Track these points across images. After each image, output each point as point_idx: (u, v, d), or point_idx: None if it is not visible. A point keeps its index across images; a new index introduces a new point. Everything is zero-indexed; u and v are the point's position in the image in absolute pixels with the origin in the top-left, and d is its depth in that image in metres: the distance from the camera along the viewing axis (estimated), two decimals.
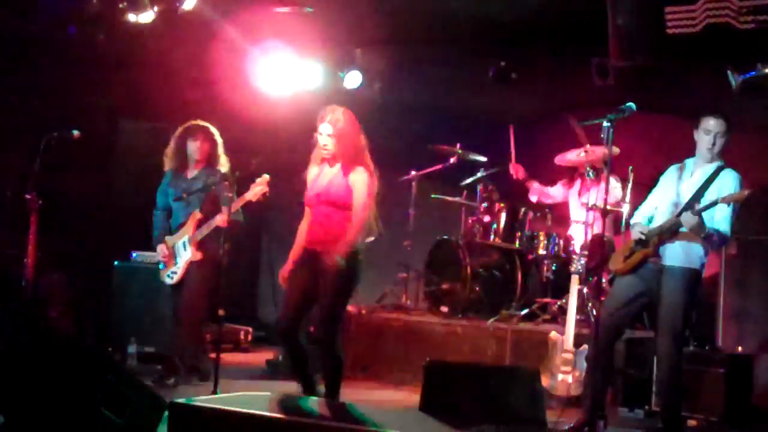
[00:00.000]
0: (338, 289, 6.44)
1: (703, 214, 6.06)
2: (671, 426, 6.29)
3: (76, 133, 8.17)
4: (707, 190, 6.16)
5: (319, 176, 6.63)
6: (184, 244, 7.70)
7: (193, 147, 7.88)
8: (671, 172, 6.44)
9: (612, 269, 6.60)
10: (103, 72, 9.54)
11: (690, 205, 6.13)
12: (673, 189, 6.31)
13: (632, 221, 6.59)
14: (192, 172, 7.91)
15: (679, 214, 6.14)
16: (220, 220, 7.36)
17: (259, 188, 7.26)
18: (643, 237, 6.27)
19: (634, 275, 6.33)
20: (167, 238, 7.82)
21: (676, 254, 6.20)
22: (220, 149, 7.91)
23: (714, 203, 6.04)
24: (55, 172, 8.40)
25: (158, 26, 9.14)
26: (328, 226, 6.52)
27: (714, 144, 6.23)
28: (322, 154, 6.60)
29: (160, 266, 7.87)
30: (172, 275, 7.75)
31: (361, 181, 6.53)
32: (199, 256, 7.61)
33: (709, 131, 6.23)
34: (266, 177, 7.29)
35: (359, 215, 6.49)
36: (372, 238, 6.88)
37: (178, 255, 7.73)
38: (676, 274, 6.18)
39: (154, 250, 7.96)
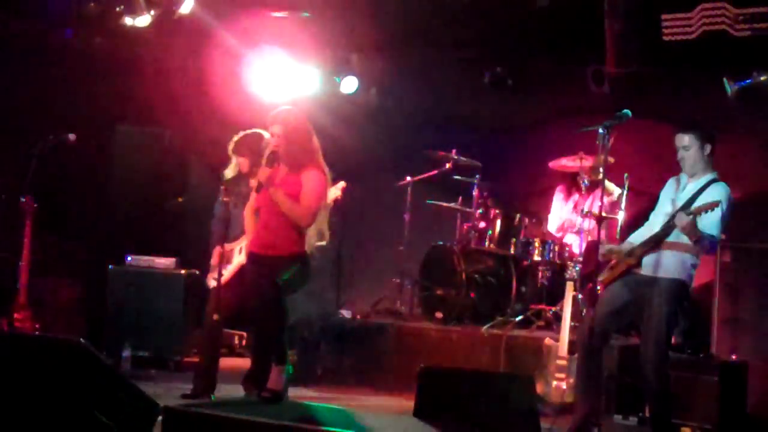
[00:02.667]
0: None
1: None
2: None
3: (71, 136, 8.17)
4: (695, 201, 6.16)
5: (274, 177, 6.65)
6: (240, 249, 7.39)
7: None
8: (668, 186, 6.45)
9: (600, 279, 6.60)
10: (100, 75, 9.54)
11: (682, 209, 6.14)
12: (669, 203, 6.32)
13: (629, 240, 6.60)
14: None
15: (672, 216, 6.14)
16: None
17: (332, 193, 7.15)
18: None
19: (623, 285, 6.33)
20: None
21: (666, 266, 6.21)
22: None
23: (691, 212, 6.05)
24: (50, 176, 8.40)
25: (155, 30, 9.15)
26: (277, 228, 6.55)
27: (683, 158, 6.24)
28: (273, 154, 6.64)
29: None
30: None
31: (312, 179, 6.59)
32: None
33: (677, 147, 6.26)
34: (342, 184, 7.23)
35: (307, 206, 6.55)
36: (323, 243, 6.90)
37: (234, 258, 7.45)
38: (664, 285, 6.19)
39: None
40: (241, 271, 7.23)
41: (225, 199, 7.27)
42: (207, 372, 7.28)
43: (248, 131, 7.44)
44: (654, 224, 6.38)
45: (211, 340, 7.34)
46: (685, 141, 6.22)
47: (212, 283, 7.30)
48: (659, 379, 6.23)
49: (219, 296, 6.95)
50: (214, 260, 7.32)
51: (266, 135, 7.21)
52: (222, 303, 7.06)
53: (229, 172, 7.45)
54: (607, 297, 6.43)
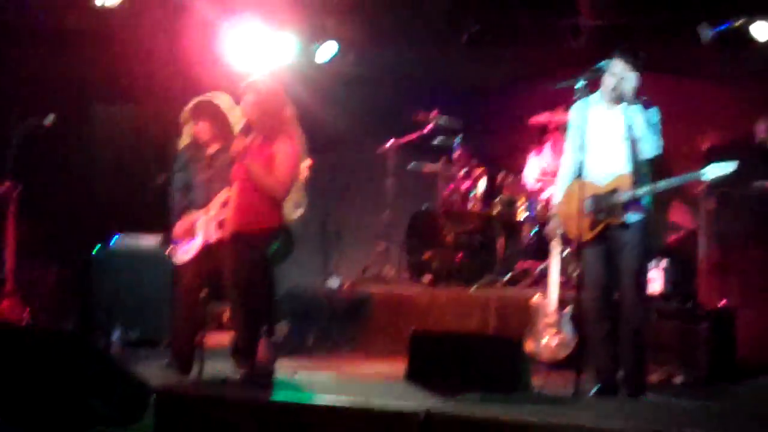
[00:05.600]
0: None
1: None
2: (639, 381, 6.27)
3: (50, 118, 8.11)
4: (642, 128, 6.13)
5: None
6: (207, 219, 7.13)
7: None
8: (593, 119, 6.29)
9: (574, 239, 6.49)
10: (74, 56, 9.45)
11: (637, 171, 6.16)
12: (616, 142, 6.24)
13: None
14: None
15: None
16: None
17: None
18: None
19: (600, 244, 6.30)
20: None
21: (629, 210, 6.21)
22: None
23: (661, 188, 6.07)
24: (30, 160, 8.35)
25: (127, 6, 9.08)
26: (255, 202, 6.55)
27: (617, 88, 6.18)
28: (247, 124, 6.60)
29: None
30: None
31: (284, 151, 6.56)
32: None
33: (614, 76, 6.18)
34: (308, 161, 7.08)
35: (280, 178, 6.53)
36: (301, 211, 6.88)
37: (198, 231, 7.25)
38: (635, 225, 6.19)
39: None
40: (208, 245, 7.00)
41: (178, 172, 7.20)
42: (183, 352, 6.97)
43: (203, 97, 7.15)
44: (607, 167, 6.27)
45: (187, 319, 7.00)
46: (633, 81, 6.17)
47: (179, 257, 7.11)
48: (644, 323, 6.24)
49: (199, 270, 6.87)
50: (176, 233, 7.15)
51: (223, 100, 7.06)
52: (196, 278, 6.92)
53: (182, 141, 7.27)
54: (590, 268, 6.36)
